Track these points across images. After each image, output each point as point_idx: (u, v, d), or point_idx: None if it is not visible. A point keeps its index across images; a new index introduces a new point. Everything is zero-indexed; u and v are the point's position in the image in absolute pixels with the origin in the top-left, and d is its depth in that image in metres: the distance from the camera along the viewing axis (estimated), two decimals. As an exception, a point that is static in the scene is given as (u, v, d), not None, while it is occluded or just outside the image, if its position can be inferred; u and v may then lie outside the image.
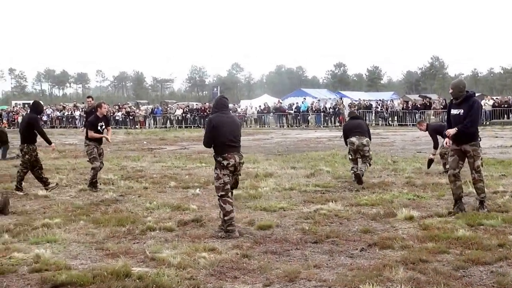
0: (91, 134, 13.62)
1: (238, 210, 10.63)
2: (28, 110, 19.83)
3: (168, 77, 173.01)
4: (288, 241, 8.27)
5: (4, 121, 53.89)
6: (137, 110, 56.77)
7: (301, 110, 48.88)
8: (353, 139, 13.73)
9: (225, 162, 8.79)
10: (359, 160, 13.81)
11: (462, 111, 9.80)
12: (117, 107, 57.26)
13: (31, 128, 13.34)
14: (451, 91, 10.09)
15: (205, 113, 47.84)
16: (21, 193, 12.96)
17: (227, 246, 8.02)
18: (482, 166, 10.16)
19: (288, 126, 48.07)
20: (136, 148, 26.70)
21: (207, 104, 55.75)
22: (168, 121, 52.68)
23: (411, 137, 30.09)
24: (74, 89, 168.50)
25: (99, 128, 13.69)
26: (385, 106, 47.27)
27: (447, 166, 14.35)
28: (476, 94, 10.47)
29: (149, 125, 53.18)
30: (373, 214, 10.00)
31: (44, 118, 54.55)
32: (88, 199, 12.22)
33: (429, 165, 15.26)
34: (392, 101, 50.82)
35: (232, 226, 8.74)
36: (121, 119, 52.49)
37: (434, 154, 15.11)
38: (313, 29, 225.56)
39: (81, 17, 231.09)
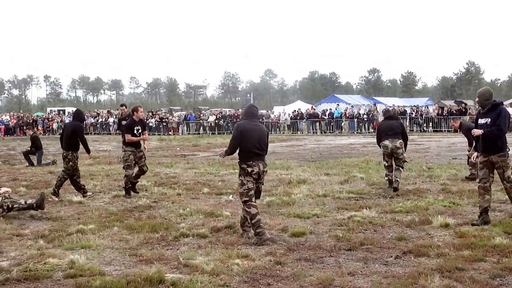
0: (128, 137, 13.57)
1: (271, 216, 10.63)
2: (71, 118, 20.13)
3: (201, 84, 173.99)
4: (322, 248, 8.21)
5: (40, 128, 54.47)
6: (170, 117, 57.05)
7: (334, 116, 48.69)
8: (386, 142, 13.59)
9: (249, 169, 8.90)
10: (393, 165, 13.68)
11: (489, 120, 9.58)
12: (150, 113, 57.58)
13: (76, 136, 13.58)
14: (477, 99, 9.93)
15: (238, 120, 47.81)
16: (56, 199, 13.10)
17: (260, 253, 7.99)
18: None
19: (321, 132, 47.89)
20: (169, 154, 26.82)
21: (240, 110, 55.81)
22: (201, 128, 52.83)
23: (446, 143, 29.76)
24: (108, 95, 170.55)
25: (135, 132, 13.68)
26: (419, 112, 46.84)
27: (473, 172, 14.21)
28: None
29: (182, 131, 53.35)
30: (408, 221, 9.89)
31: (80, 124, 55.09)
32: (122, 205, 12.28)
33: (468, 162, 15.16)
34: (427, 107, 50.37)
35: (261, 228, 8.77)
36: (154, 126, 52.74)
37: (469, 151, 14.91)
38: (347, 35, 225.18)
39: (115, 25, 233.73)
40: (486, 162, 9.71)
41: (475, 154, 10.00)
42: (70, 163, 13.52)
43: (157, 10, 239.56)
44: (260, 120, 49.84)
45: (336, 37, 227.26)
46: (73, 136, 13.61)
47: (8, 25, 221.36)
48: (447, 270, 6.87)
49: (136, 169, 13.75)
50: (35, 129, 45.58)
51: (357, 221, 9.98)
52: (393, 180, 13.39)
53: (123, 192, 13.57)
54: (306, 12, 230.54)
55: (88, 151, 14.03)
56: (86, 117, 57.02)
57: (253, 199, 9.00)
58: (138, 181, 13.99)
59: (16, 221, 10.64)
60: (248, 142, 8.93)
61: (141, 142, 14.01)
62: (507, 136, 9.78)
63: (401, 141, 13.67)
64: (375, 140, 14.81)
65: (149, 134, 46.46)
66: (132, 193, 13.53)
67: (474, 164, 13.76)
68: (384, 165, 13.91)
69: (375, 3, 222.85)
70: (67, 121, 56.22)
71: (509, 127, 9.92)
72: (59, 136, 15.22)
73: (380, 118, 48.14)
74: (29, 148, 22.73)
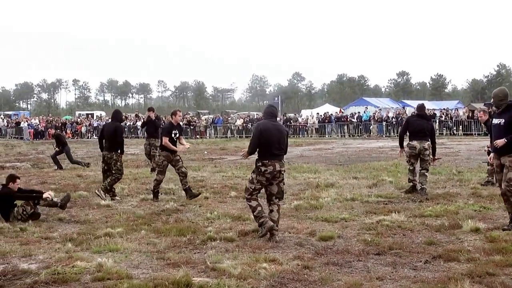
0: (165, 141, 13.48)
1: (299, 220, 10.60)
2: (99, 122, 20.31)
3: (229, 87, 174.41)
4: (350, 253, 8.15)
5: (68, 131, 54.91)
6: (198, 120, 57.22)
7: (363, 120, 48.46)
8: (415, 142, 13.34)
9: (263, 168, 9.09)
10: (417, 168, 13.46)
11: (503, 120, 9.33)
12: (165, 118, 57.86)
13: (117, 135, 13.82)
14: (492, 100, 9.74)
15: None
16: (118, 198, 13.60)
17: (288, 257, 7.95)
18: None
19: (349, 135, 47.67)
20: (196, 158, 26.86)
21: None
22: (229, 131, 52.93)
23: (477, 146, 29.41)
24: (136, 99, 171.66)
25: (173, 136, 13.64)
26: (449, 115, 46.41)
27: (489, 180, 13.96)
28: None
29: (209, 135, 53.49)
30: (438, 226, 9.78)
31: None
32: (149, 208, 12.31)
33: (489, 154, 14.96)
34: (457, 110, 49.88)
35: (263, 218, 8.99)
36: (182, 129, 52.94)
37: (489, 147, 14.72)
38: (375, 37, 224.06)
39: (142, 29, 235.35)
40: (499, 164, 9.49)
41: (492, 155, 9.78)
42: (118, 163, 13.79)
43: (185, 14, 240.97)
44: (288, 123, 49.91)
45: (365, 40, 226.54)
46: (115, 135, 13.79)
47: (39, 29, 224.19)
48: (477, 275, 6.77)
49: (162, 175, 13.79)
50: (64, 133, 46.02)
51: (386, 225, 9.89)
52: (420, 188, 13.18)
53: (151, 196, 13.61)
54: (335, 15, 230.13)
55: (122, 151, 14.11)
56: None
57: (255, 196, 9.25)
58: (188, 185, 13.73)
59: (45, 224, 10.72)
60: (267, 141, 9.12)
61: (178, 144, 13.95)
62: None
63: (429, 142, 13.47)
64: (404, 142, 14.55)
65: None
66: (158, 197, 13.51)
67: (492, 172, 13.55)
68: (409, 168, 13.66)
69: (404, 6, 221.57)
70: (95, 124, 56.83)
71: None
72: (98, 137, 15.36)
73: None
74: (56, 149, 22.80)
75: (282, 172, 9.31)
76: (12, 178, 11.38)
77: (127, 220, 10.98)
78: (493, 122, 9.69)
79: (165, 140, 13.53)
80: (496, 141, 9.38)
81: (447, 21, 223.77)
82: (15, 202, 11.14)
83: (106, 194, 13.57)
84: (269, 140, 9.12)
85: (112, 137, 13.86)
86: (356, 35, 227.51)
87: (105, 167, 13.99)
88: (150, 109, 21.03)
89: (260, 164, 9.12)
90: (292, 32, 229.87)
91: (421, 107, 14.34)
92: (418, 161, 13.52)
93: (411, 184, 13.50)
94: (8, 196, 11.08)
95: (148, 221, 10.79)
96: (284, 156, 9.49)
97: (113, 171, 13.83)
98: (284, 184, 9.52)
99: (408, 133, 13.77)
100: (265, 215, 9.12)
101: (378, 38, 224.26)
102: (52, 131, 24.44)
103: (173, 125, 13.81)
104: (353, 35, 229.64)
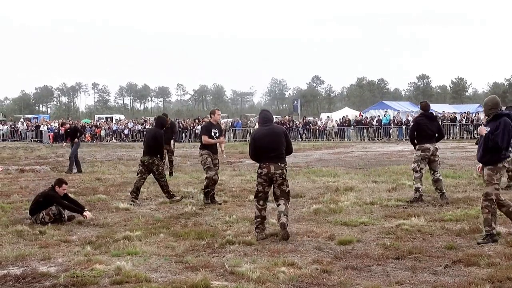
0: (205, 139, 13.47)
1: (318, 224, 10.57)
2: (118, 125, 20.27)
3: (248, 90, 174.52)
4: (369, 257, 8.11)
5: (87, 135, 55.08)
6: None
7: (382, 123, 48.27)
8: (428, 145, 12.98)
9: (259, 171, 9.70)
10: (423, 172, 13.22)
11: (488, 129, 9.18)
12: (196, 120, 57.94)
13: (156, 141, 13.93)
14: (483, 109, 9.67)
15: (285, 127, 47.84)
16: (178, 198, 13.76)
17: (307, 261, 7.92)
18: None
19: (369, 139, 47.51)
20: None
21: (287, 117, 55.79)
22: (248, 135, 52.89)
23: (497, 150, 29.15)
24: (155, 103, 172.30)
25: (212, 134, 13.62)
26: (470, 119, 46.03)
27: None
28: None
29: (228, 138, 53.55)
30: (458, 230, 9.70)
31: (126, 131, 55.73)
32: (168, 212, 12.33)
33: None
34: (478, 114, 49.49)
35: (258, 229, 9.57)
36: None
37: None
38: (395, 41, 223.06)
39: (161, 32, 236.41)
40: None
41: (480, 165, 9.53)
42: (160, 168, 13.86)
43: (204, 18, 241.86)
44: (308, 126, 49.84)
45: (385, 43, 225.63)
46: (154, 141, 13.94)
47: (57, 33, 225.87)
48: (498, 280, 6.72)
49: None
50: (84, 136, 46.03)
51: (406, 229, 9.82)
52: (441, 194, 12.98)
53: (169, 199, 13.64)
54: (354, 18, 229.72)
55: (162, 157, 14.22)
56: (133, 124, 57.82)
57: (261, 202, 9.67)
58: (214, 191, 13.65)
59: (64, 227, 10.77)
60: (260, 146, 9.72)
61: (218, 146, 14.00)
62: None
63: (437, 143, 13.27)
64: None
65: (195, 141, 46.92)
66: (209, 198, 13.42)
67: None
68: (416, 176, 13.03)
69: (424, 8, 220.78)
70: (114, 128, 57.12)
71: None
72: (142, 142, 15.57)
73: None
74: (75, 141, 22.33)
75: (279, 175, 9.57)
76: (59, 182, 11.50)
77: (146, 223, 11.00)
78: None
79: (205, 138, 13.50)
80: (480, 128, 9.51)
81: (468, 24, 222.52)
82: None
83: (173, 196, 13.79)
84: (262, 145, 9.67)
85: (151, 142, 14.00)
86: (376, 38, 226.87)
87: (143, 170, 13.99)
88: (165, 115, 20.64)
89: (258, 167, 9.77)
90: (312, 35, 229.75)
91: (426, 106, 13.68)
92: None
93: (418, 194, 12.98)
94: (52, 198, 11.19)
95: (167, 224, 10.81)
96: (288, 154, 9.93)
97: (156, 177, 13.98)
98: (287, 186, 9.75)
99: (416, 135, 13.29)
100: (261, 227, 9.59)
101: (398, 41, 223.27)
102: (67, 126, 24.09)
103: (212, 124, 13.79)
104: (373, 38, 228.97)
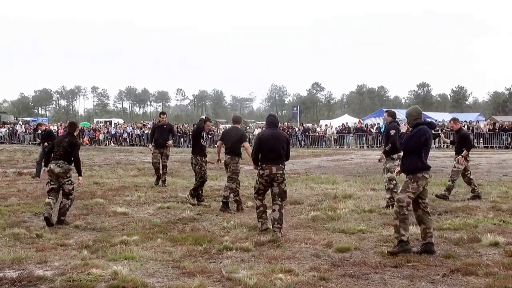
0: (249, 149, 12.79)
1: (316, 231, 10.54)
2: (116, 129, 20.06)
3: (248, 96, 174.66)
4: (367, 265, 8.08)
5: (85, 139, 54.90)
6: (216, 129, 57.27)
7: (382, 131, 48.22)
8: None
9: (261, 172, 10.39)
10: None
11: None
12: (195, 125, 57.87)
13: (196, 138, 14.19)
14: (407, 120, 9.49)
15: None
16: (205, 203, 13.75)
17: (304, 268, 7.90)
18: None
19: (368, 146, 47.50)
20: (214, 167, 26.74)
21: (286, 124, 55.73)
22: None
23: (497, 160, 29.20)
24: (154, 107, 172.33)
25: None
26: (470, 128, 46.00)
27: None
28: None
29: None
30: (456, 239, 9.68)
31: (124, 136, 55.67)
32: (165, 217, 12.30)
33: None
34: (478, 122, 49.50)
35: (262, 218, 10.53)
36: (200, 138, 52.83)
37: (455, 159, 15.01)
38: (396, 48, 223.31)
39: (162, 36, 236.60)
40: None
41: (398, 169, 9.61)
42: (197, 167, 13.94)
43: (203, 23, 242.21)
44: (307, 133, 49.81)
45: (385, 51, 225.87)
46: (195, 139, 14.23)
47: (57, 37, 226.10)
48: (496, 290, 6.68)
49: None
50: (82, 139, 45.74)
51: (404, 237, 9.77)
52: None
53: (167, 204, 13.73)
54: (354, 24, 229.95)
55: (204, 154, 14.21)
56: (132, 128, 57.74)
57: (261, 196, 10.56)
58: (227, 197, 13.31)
59: (61, 231, 10.73)
60: (264, 148, 10.45)
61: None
62: None
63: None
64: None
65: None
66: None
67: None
68: (395, 184, 12.91)
69: (426, 17, 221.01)
70: (113, 132, 57.09)
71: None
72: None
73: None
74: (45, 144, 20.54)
75: (280, 175, 10.32)
76: (74, 126, 12.34)
77: (143, 228, 10.97)
78: None
79: (249, 150, 12.89)
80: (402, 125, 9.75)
81: (468, 33, 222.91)
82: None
83: (193, 199, 13.85)
84: (266, 147, 10.40)
85: (193, 140, 14.35)
86: (376, 45, 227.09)
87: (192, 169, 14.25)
88: (164, 113, 19.76)
89: (260, 168, 10.43)
90: (312, 42, 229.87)
91: (394, 114, 13.86)
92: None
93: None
94: (75, 146, 11.72)
95: (164, 229, 10.78)
96: (286, 161, 10.59)
97: (196, 174, 14.10)
98: (285, 185, 10.43)
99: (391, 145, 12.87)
100: (264, 216, 10.53)
101: (398, 49, 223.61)
102: (43, 127, 22.71)
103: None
104: (373, 45, 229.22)
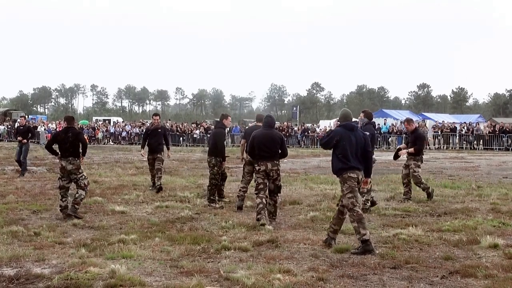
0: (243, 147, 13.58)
1: (314, 232, 10.53)
2: (115, 128, 19.90)
3: (247, 96, 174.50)
4: (366, 266, 8.06)
5: (85, 136, 54.59)
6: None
7: (382, 131, 48.21)
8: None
9: (257, 168, 11.40)
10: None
11: None
12: (194, 124, 57.82)
13: (215, 140, 14.04)
14: (338, 123, 9.74)
15: (283, 133, 47.77)
16: (217, 205, 13.48)
17: (303, 269, 7.88)
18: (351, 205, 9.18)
19: (367, 147, 47.37)
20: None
21: (286, 123, 55.74)
22: (246, 140, 52.76)
23: (497, 161, 29.18)
24: (153, 106, 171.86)
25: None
26: (470, 129, 45.97)
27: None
28: None
29: (227, 143, 53.32)
30: (455, 241, 9.67)
31: (123, 134, 55.61)
32: (164, 216, 12.27)
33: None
34: (478, 124, 49.46)
35: (260, 214, 11.03)
36: (199, 137, 52.69)
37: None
38: (396, 49, 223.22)
39: (161, 35, 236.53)
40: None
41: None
42: (215, 168, 13.81)
43: (203, 22, 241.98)
44: (306, 133, 49.79)
45: (385, 51, 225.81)
46: (214, 141, 14.08)
47: (57, 34, 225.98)
48: (495, 292, 6.66)
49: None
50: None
51: (403, 239, 9.79)
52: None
53: (166, 203, 13.70)
54: (355, 25, 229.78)
55: (223, 158, 14.03)
56: (131, 127, 57.65)
57: (262, 192, 11.26)
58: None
59: (59, 229, 10.72)
60: (258, 146, 11.35)
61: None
62: None
63: None
64: (424, 156, 14.39)
65: (193, 146, 46.84)
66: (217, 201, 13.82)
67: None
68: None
69: (426, 18, 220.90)
70: (112, 130, 57.01)
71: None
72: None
73: (431, 133, 47.54)
74: (24, 141, 20.87)
75: (275, 171, 11.35)
76: (71, 119, 12.94)
77: (141, 227, 10.95)
78: None
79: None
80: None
81: (469, 34, 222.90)
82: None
83: (220, 202, 13.85)
84: (259, 145, 11.32)
85: (212, 141, 14.16)
86: (376, 46, 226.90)
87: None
88: (157, 115, 18.31)
89: (256, 164, 11.45)
90: (313, 42, 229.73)
91: (371, 115, 13.99)
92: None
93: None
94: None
95: (163, 228, 10.76)
96: (284, 157, 11.79)
97: (209, 175, 13.97)
98: (279, 180, 11.51)
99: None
100: (263, 212, 11.04)
101: (399, 49, 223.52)
102: (23, 121, 22.12)
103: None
104: (373, 46, 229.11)
